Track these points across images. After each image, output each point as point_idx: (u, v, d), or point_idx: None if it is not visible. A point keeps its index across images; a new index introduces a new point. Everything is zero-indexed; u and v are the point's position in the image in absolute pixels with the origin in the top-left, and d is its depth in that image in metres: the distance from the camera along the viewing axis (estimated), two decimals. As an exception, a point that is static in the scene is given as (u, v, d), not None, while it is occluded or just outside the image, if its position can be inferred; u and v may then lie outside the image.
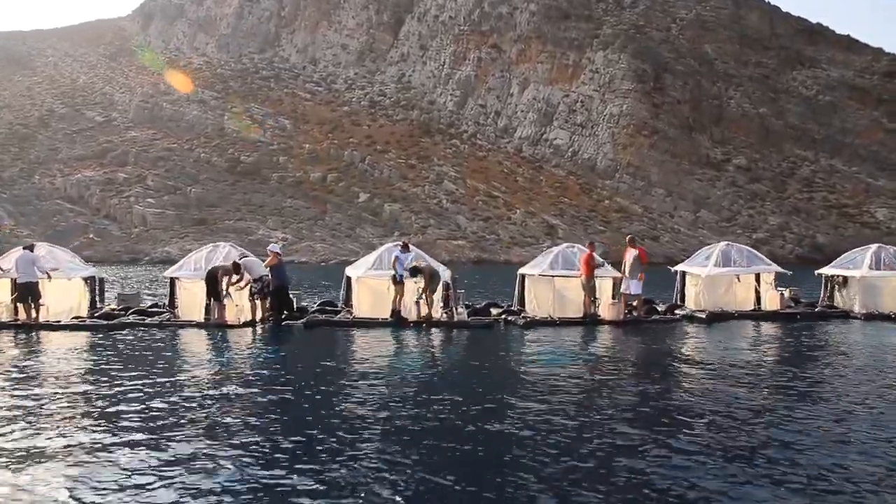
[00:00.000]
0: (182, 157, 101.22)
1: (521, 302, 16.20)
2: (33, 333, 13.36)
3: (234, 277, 14.32)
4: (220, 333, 13.38)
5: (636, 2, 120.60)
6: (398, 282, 14.76)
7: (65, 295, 14.95)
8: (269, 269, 14.67)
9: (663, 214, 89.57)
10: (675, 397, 8.30)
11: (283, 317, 14.59)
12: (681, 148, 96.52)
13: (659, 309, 16.53)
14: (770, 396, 8.31)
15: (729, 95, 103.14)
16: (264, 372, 9.80)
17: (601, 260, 15.54)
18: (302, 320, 14.30)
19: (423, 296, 14.78)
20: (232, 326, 13.94)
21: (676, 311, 16.30)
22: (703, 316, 15.38)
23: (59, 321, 14.11)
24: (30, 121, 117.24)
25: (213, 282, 14.08)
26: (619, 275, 15.71)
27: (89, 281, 15.45)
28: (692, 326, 14.88)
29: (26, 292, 13.84)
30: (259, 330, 13.96)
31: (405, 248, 15.22)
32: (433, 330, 14.16)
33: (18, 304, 14.07)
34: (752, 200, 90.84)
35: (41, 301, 14.12)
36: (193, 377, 9.20)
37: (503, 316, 15.58)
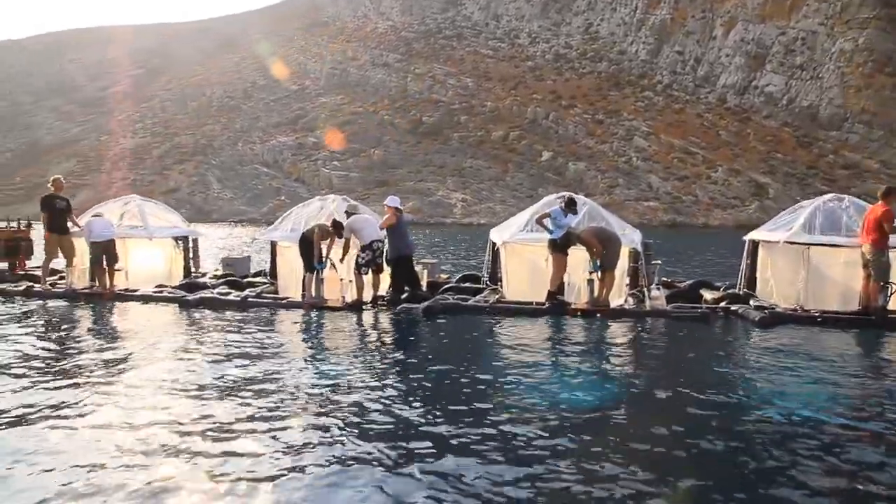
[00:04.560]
0: (366, 119, 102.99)
1: (751, 283, 10.75)
2: (97, 306, 10.74)
3: (335, 244, 10.67)
4: (309, 318, 9.78)
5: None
6: (557, 249, 10.14)
7: (152, 259, 12.35)
8: (385, 231, 10.77)
9: (908, 171, 74.22)
10: None
11: (403, 297, 10.62)
12: (935, 89, 79.35)
13: None
14: None
15: None
16: (319, 388, 5.83)
17: (902, 221, 9.44)
18: (423, 304, 10.06)
19: (599, 270, 10.09)
20: (332, 309, 10.30)
21: None
22: None
23: (136, 290, 11.47)
24: (236, 94, 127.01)
25: (307, 247, 10.53)
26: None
27: (181, 242, 12.70)
28: None
29: (100, 252, 11.33)
30: (366, 316, 10.07)
31: (570, 205, 10.24)
32: (611, 323, 9.43)
33: (94, 270, 11.60)
34: None
35: (118, 266, 11.56)
36: (221, 375, 5.59)
37: (723, 303, 10.28)
